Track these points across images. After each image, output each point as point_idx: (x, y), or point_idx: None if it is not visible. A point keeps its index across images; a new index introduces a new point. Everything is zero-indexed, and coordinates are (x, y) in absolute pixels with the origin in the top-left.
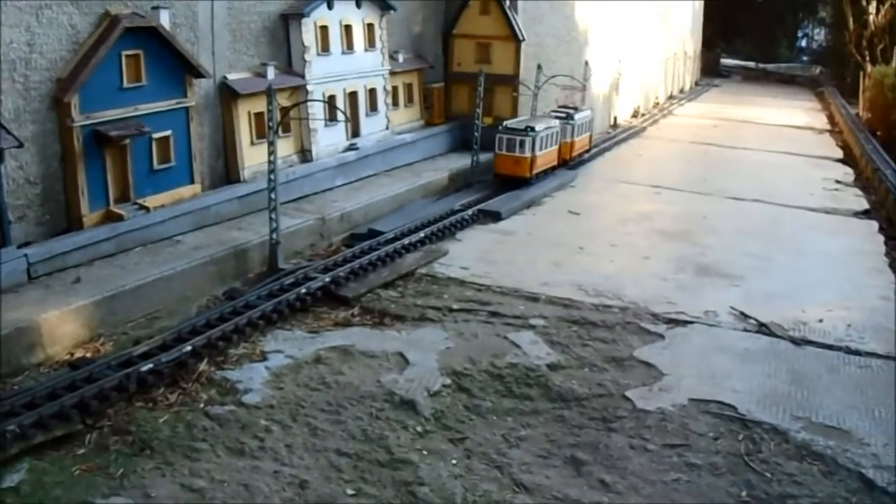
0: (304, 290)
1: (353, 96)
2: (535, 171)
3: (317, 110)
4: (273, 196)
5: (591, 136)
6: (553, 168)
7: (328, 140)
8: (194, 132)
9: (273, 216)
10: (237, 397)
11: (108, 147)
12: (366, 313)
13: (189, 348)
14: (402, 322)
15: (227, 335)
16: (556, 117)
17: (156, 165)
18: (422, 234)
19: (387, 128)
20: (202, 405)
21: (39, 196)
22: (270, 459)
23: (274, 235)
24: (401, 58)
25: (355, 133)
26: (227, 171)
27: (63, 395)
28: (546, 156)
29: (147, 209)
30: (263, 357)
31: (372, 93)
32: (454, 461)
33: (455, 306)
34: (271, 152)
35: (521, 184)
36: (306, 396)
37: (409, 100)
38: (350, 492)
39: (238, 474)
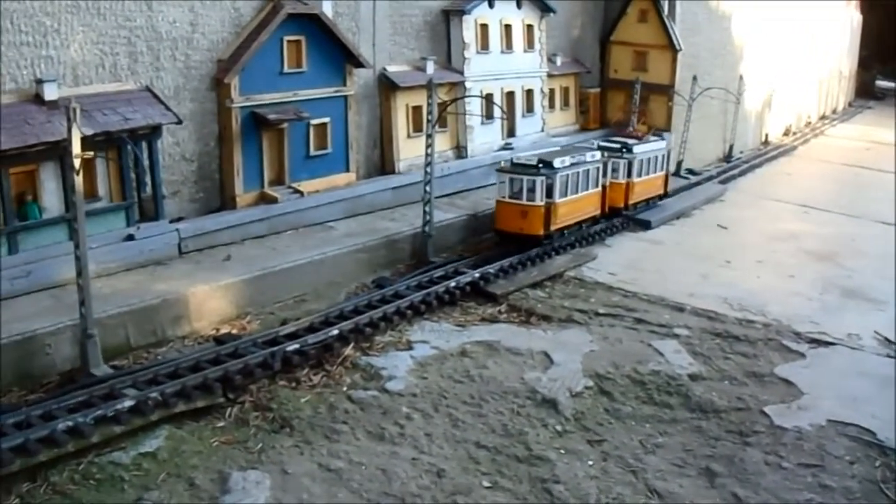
0: (453, 284)
1: (510, 96)
2: (555, 227)
3: (474, 108)
4: (428, 189)
5: (666, 176)
6: (591, 220)
7: (484, 138)
8: (352, 121)
9: (427, 209)
10: (381, 383)
11: (266, 130)
12: (513, 311)
13: (336, 332)
14: (548, 322)
15: (374, 322)
16: (605, 148)
17: (312, 151)
18: (572, 238)
19: (542, 129)
20: (345, 388)
21: (194, 173)
22: (410, 446)
23: (427, 228)
24: (558, 61)
25: (511, 133)
26: (382, 161)
27: (207, 367)
28: (576, 204)
29: (301, 194)
30: (409, 346)
31: (529, 94)
32: (591, 462)
33: (601, 310)
34: (429, 145)
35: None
36: (449, 388)
37: (566, 103)
38: (486, 484)
39: (377, 458)
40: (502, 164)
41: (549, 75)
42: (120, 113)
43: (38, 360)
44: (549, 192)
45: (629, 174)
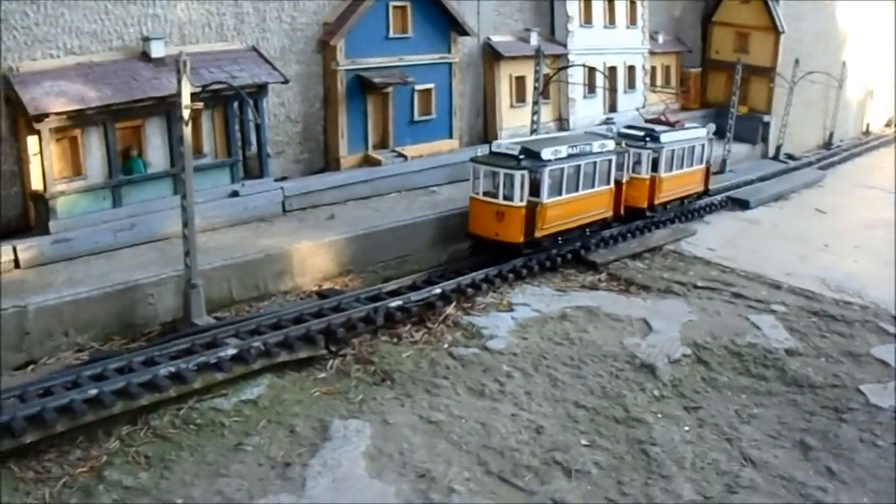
0: (554, 252)
1: (611, 71)
2: (542, 233)
3: (577, 80)
4: None
5: (706, 171)
6: (599, 224)
7: (586, 111)
8: (456, 89)
9: None
10: (482, 342)
11: (371, 93)
12: (612, 280)
13: (438, 291)
14: (647, 291)
15: (476, 283)
16: (626, 136)
17: (416, 116)
18: (671, 213)
19: (643, 106)
20: (446, 346)
21: (299, 134)
22: (510, 403)
23: None
24: (661, 38)
25: (612, 108)
26: (484, 130)
27: (310, 320)
28: (573, 205)
29: (405, 158)
30: (510, 308)
31: (631, 70)
32: (687, 428)
33: (700, 283)
34: (535, 112)
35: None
36: (549, 349)
37: (666, 81)
38: (584, 442)
39: (476, 413)
40: (478, 152)
41: (651, 52)
42: (227, 71)
43: (140, 309)
44: (535, 190)
45: (655, 168)
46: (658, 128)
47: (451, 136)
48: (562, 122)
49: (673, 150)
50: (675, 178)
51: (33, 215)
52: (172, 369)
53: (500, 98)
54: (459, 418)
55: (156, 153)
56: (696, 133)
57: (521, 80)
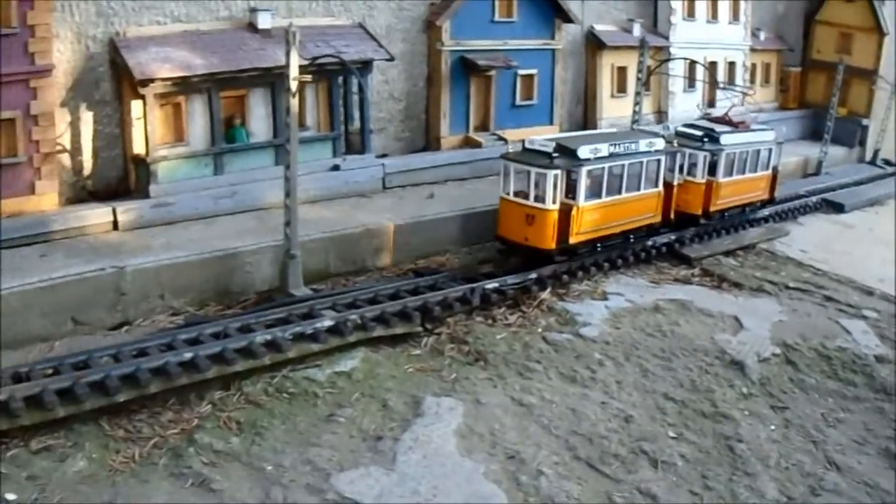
0: (650, 243)
1: (712, 66)
2: (577, 239)
3: (677, 74)
4: None
5: (773, 178)
6: (644, 230)
7: (685, 105)
8: (558, 75)
9: None
10: (575, 328)
11: (474, 76)
12: (705, 275)
13: (534, 276)
14: (739, 289)
15: (572, 271)
16: (682, 136)
17: (518, 101)
18: (766, 212)
19: (741, 103)
20: (540, 330)
21: (401, 112)
22: (600, 391)
23: None
24: (762, 36)
25: (711, 103)
26: (584, 118)
27: (406, 297)
28: (614, 208)
29: (505, 141)
30: (604, 297)
31: (731, 66)
32: (773, 427)
33: (791, 284)
34: (637, 103)
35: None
36: (641, 339)
37: (766, 79)
38: (672, 434)
39: (567, 398)
40: (510, 148)
41: (752, 49)
42: (333, 45)
43: (237, 277)
44: (571, 191)
45: (713, 172)
46: (719, 128)
47: (551, 123)
48: (661, 115)
49: (734, 154)
50: (735, 183)
51: (133, 179)
52: (268, 337)
53: (601, 87)
54: (550, 402)
55: (259, 123)
56: (762, 136)
57: (622, 71)
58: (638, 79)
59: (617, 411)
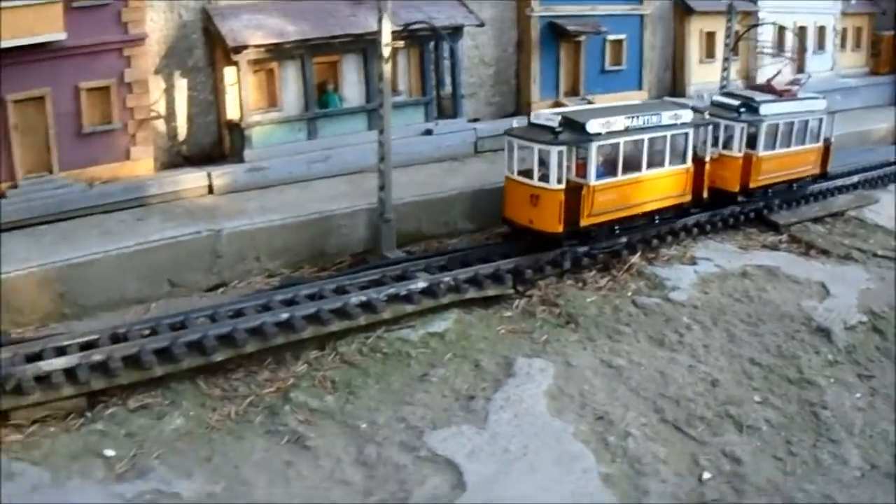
0: (738, 209)
1: (801, 31)
2: (589, 222)
3: (765, 39)
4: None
5: (824, 150)
6: (673, 210)
7: (774, 70)
8: (646, 41)
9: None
10: (664, 293)
11: (564, 41)
12: (793, 242)
13: (624, 240)
14: (826, 256)
15: (661, 235)
16: (719, 106)
17: (607, 66)
18: (855, 179)
19: (832, 69)
20: (629, 294)
21: (491, 77)
22: (687, 354)
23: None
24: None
25: (800, 69)
26: (672, 84)
27: (498, 259)
28: (634, 187)
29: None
30: (693, 261)
31: (821, 31)
32: (858, 395)
33: (879, 252)
34: (725, 68)
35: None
36: (729, 305)
37: (857, 44)
38: (757, 399)
39: (655, 361)
40: (514, 124)
41: (843, 13)
42: (424, 12)
43: (332, 239)
44: (582, 170)
45: (753, 145)
46: (760, 97)
47: (640, 88)
48: (748, 81)
49: (777, 125)
50: (778, 157)
51: (227, 144)
52: (363, 298)
53: (690, 52)
54: (639, 365)
55: (351, 89)
56: (810, 105)
57: (710, 36)
58: (725, 44)
59: (704, 375)
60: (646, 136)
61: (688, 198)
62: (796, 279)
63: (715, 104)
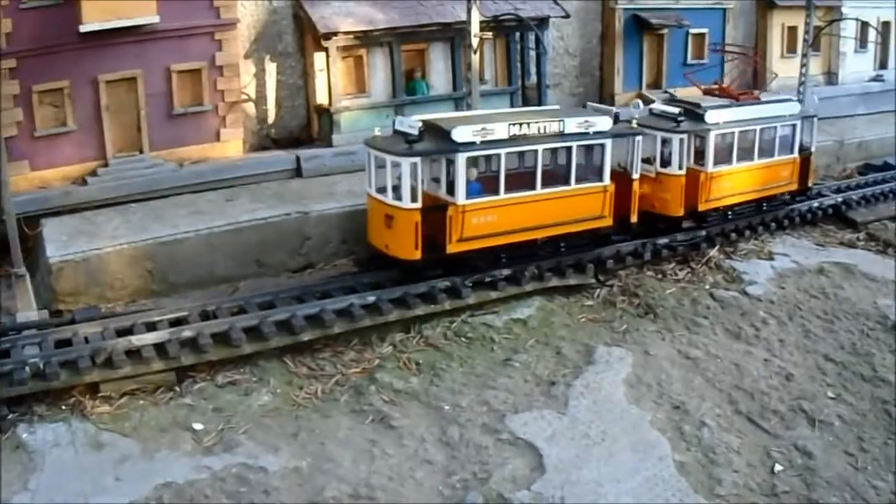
0: (815, 205)
1: (885, 26)
2: (459, 248)
3: (848, 34)
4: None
5: (802, 162)
6: (588, 235)
7: (855, 66)
8: (729, 34)
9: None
10: (741, 286)
11: (647, 33)
12: (871, 239)
13: (703, 233)
14: None
15: (739, 230)
16: (659, 114)
17: (689, 59)
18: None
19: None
20: (707, 287)
21: (576, 68)
22: (763, 348)
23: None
24: None
25: (883, 65)
26: (754, 78)
27: (581, 250)
28: (519, 210)
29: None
30: (770, 256)
31: None
32: None
33: None
34: (804, 64)
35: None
36: (805, 300)
37: None
38: (830, 395)
39: (731, 354)
40: (376, 132)
41: None
42: (510, 3)
43: None
44: (450, 187)
45: (700, 159)
46: (708, 102)
47: (721, 82)
48: (830, 76)
49: (732, 134)
50: (737, 173)
51: (316, 128)
52: (448, 284)
53: (771, 47)
54: (715, 357)
55: (438, 77)
56: (777, 109)
57: (792, 31)
58: (804, 40)
59: (778, 369)
60: (539, 147)
61: (607, 222)
62: (873, 277)
63: (654, 114)
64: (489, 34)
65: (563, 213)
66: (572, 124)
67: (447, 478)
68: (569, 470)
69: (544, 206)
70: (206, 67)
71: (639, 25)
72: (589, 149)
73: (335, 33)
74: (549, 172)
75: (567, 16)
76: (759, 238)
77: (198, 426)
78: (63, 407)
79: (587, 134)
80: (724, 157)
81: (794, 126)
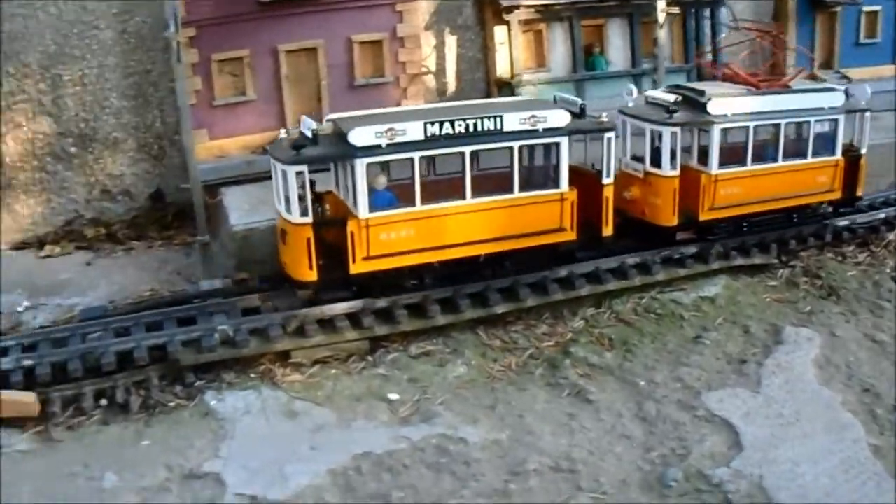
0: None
1: None
2: (359, 270)
3: None
4: None
5: (844, 165)
6: (547, 251)
7: None
8: None
9: None
10: None
11: (820, 12)
12: None
13: (882, 216)
14: None
15: None
16: (654, 102)
17: (861, 39)
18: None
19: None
20: (888, 270)
21: (748, 47)
22: None
23: None
24: None
25: None
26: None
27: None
28: (443, 224)
29: (848, 80)
30: None
31: None
32: None
33: None
34: None
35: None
36: None
37: None
38: None
39: None
40: (285, 132)
41: None
42: None
43: None
44: (355, 199)
45: (702, 159)
46: (714, 89)
47: (894, 62)
48: None
49: (745, 129)
50: (754, 177)
51: None
52: (638, 260)
53: None
54: None
55: (616, 53)
56: (813, 100)
57: None
58: None
59: None
60: (466, 150)
61: (568, 236)
62: None
63: (649, 102)
64: (676, 9)
65: (506, 226)
66: (513, 120)
67: (646, 453)
68: (766, 449)
69: (476, 218)
70: (388, 39)
71: (812, 4)
72: (539, 149)
73: (517, 6)
74: (488, 178)
75: None
76: None
77: (393, 396)
78: (252, 375)
79: (535, 132)
80: (734, 156)
81: (835, 121)
